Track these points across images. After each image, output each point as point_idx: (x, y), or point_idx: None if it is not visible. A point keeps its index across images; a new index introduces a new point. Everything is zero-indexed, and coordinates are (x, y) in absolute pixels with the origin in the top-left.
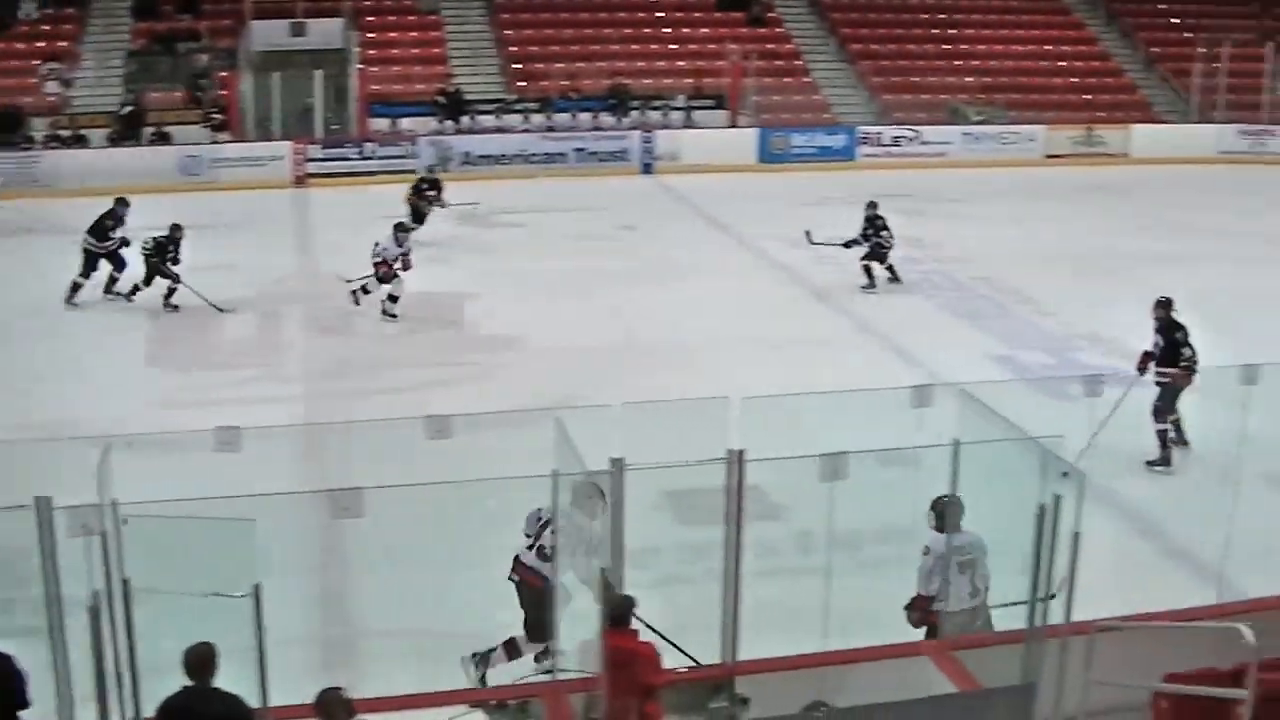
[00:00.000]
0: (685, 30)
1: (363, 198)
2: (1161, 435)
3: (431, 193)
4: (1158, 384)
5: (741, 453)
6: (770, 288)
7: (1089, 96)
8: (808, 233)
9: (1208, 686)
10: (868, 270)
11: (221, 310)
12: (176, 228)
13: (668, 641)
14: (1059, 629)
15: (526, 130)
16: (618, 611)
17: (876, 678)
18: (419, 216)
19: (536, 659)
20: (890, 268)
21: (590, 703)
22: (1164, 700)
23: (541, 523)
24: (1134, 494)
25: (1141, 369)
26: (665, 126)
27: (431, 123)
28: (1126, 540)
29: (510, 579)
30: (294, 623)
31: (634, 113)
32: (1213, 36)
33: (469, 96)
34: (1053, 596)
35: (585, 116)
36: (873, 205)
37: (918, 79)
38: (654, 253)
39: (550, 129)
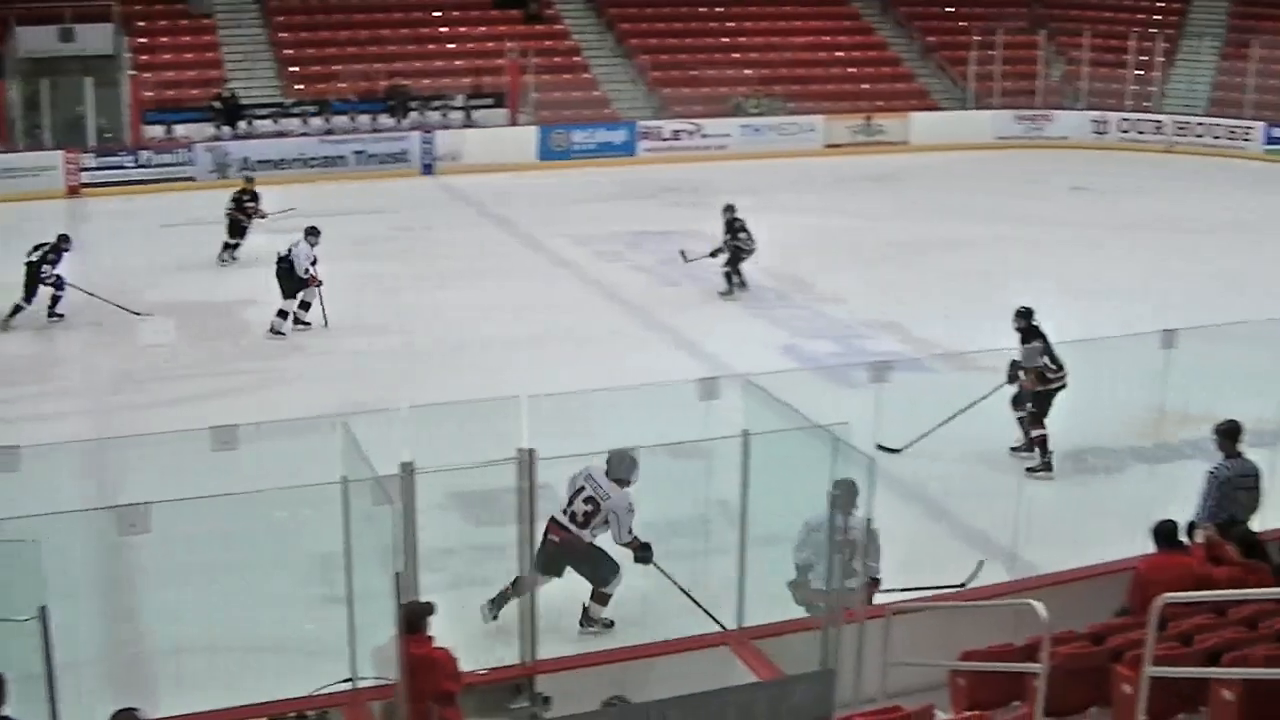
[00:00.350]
0: (462, 29)
1: (139, 206)
2: (1041, 441)
3: (252, 204)
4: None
5: (532, 451)
6: (557, 285)
7: (867, 86)
8: (682, 253)
9: (1003, 662)
10: (729, 277)
11: (138, 314)
12: (64, 239)
13: (694, 601)
14: (856, 613)
15: (305, 134)
16: (413, 617)
17: (678, 670)
18: (240, 230)
19: (582, 624)
20: (737, 271)
21: (388, 710)
22: (961, 677)
23: (574, 490)
24: (923, 477)
25: (1012, 378)
26: (445, 127)
27: (208, 128)
28: (918, 523)
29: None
30: (85, 644)
31: (413, 114)
32: (987, 25)
33: (245, 101)
34: (962, 586)
35: (364, 118)
36: (730, 209)
37: (696, 72)
38: (440, 254)
39: (329, 132)
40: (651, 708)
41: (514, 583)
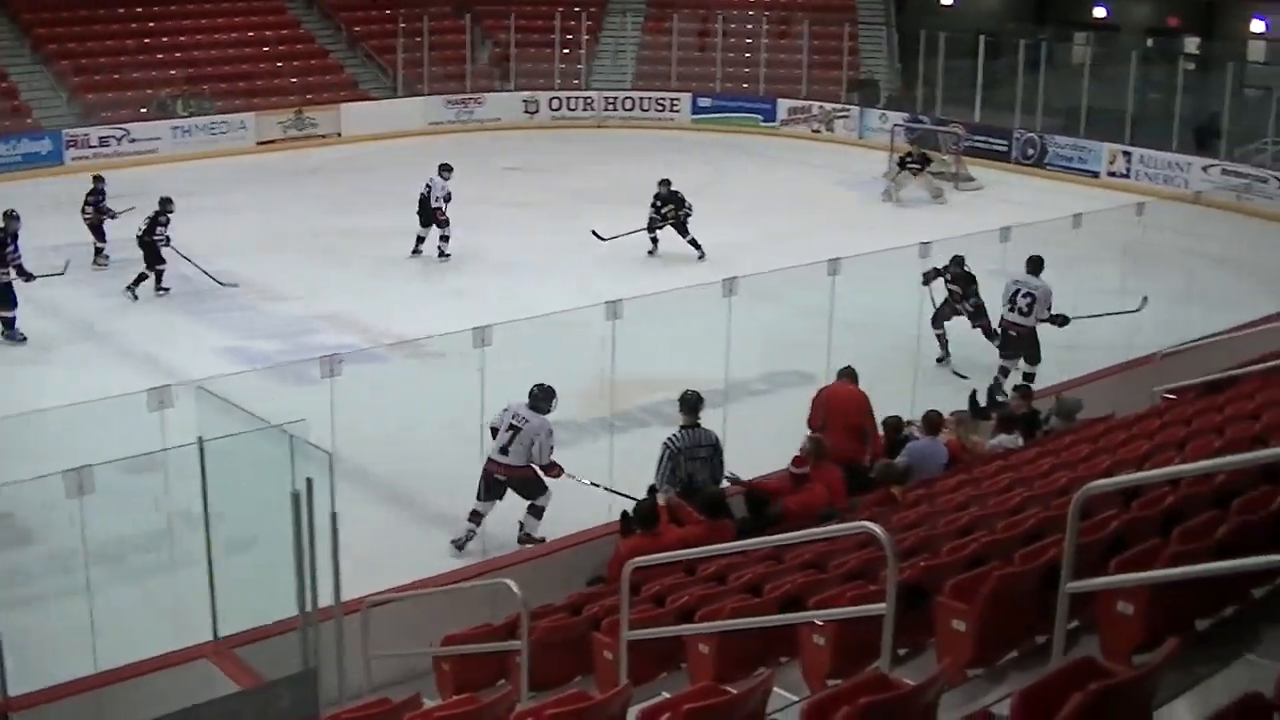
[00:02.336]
0: None
1: None
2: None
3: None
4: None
5: None
6: None
7: (296, 80)
8: (595, 232)
9: (484, 642)
10: (693, 243)
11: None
12: (166, 201)
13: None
14: (329, 610)
15: None
16: None
17: (158, 688)
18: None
19: None
20: (655, 240)
21: None
22: (445, 662)
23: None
24: (381, 467)
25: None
26: None
27: None
28: (383, 511)
29: None
30: None
31: None
32: (411, 11)
33: None
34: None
35: None
36: (665, 182)
37: (120, 76)
38: None
39: None
40: None
41: None
